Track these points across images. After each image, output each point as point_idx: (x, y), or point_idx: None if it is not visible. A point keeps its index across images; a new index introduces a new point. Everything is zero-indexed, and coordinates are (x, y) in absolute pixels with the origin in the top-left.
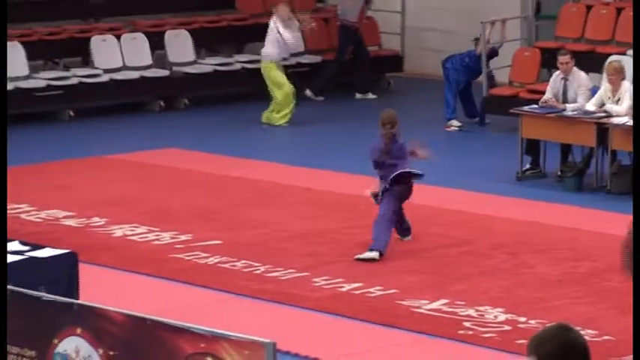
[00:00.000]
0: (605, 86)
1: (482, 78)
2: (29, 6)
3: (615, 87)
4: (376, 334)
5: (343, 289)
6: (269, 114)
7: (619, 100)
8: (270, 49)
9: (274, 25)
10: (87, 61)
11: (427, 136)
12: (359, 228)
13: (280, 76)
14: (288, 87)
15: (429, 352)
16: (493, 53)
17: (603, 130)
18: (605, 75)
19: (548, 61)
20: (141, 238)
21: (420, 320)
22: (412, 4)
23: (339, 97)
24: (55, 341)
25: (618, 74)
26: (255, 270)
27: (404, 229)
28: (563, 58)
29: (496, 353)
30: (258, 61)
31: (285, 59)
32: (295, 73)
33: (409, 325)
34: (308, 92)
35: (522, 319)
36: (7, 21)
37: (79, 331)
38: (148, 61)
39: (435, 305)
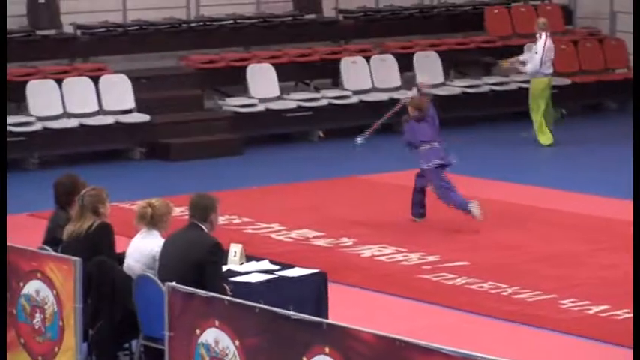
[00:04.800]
0: None
1: None
2: (280, 28)
3: None
4: (623, 358)
5: (590, 312)
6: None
7: None
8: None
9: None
10: (337, 83)
11: None
12: (605, 250)
13: None
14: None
15: None
16: None
17: None
18: None
19: None
20: (389, 258)
21: None
22: None
23: (591, 118)
24: None
25: None
26: (502, 291)
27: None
28: None
29: None
30: (506, 83)
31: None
32: None
33: None
34: None
35: None
36: (256, 44)
37: (327, 350)
38: (397, 82)
39: None
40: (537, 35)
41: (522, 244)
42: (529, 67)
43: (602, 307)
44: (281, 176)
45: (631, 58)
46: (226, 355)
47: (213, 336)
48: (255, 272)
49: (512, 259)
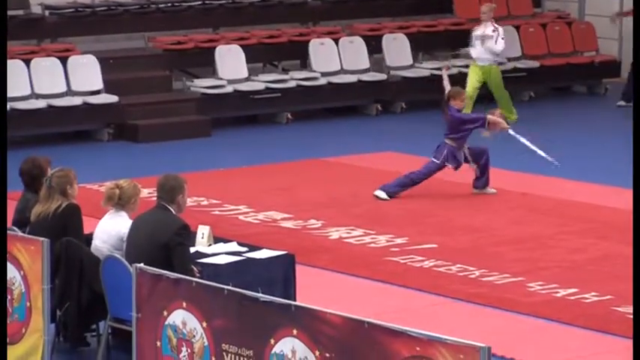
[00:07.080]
0: None
1: None
2: (248, 9)
3: None
4: (591, 340)
5: (558, 295)
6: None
7: None
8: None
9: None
10: (305, 64)
11: None
12: (573, 234)
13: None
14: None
15: None
16: None
17: None
18: None
19: None
20: (357, 240)
21: None
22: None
23: (559, 101)
24: (272, 342)
25: None
26: (470, 274)
27: None
28: None
29: None
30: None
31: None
32: (512, 78)
33: (625, 332)
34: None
35: None
36: (225, 25)
37: (295, 332)
38: (366, 64)
39: None
40: (489, 22)
41: (490, 226)
42: (500, 46)
43: (570, 291)
44: (249, 158)
45: (599, 41)
46: (194, 336)
47: (180, 317)
48: (223, 254)
49: (481, 242)
